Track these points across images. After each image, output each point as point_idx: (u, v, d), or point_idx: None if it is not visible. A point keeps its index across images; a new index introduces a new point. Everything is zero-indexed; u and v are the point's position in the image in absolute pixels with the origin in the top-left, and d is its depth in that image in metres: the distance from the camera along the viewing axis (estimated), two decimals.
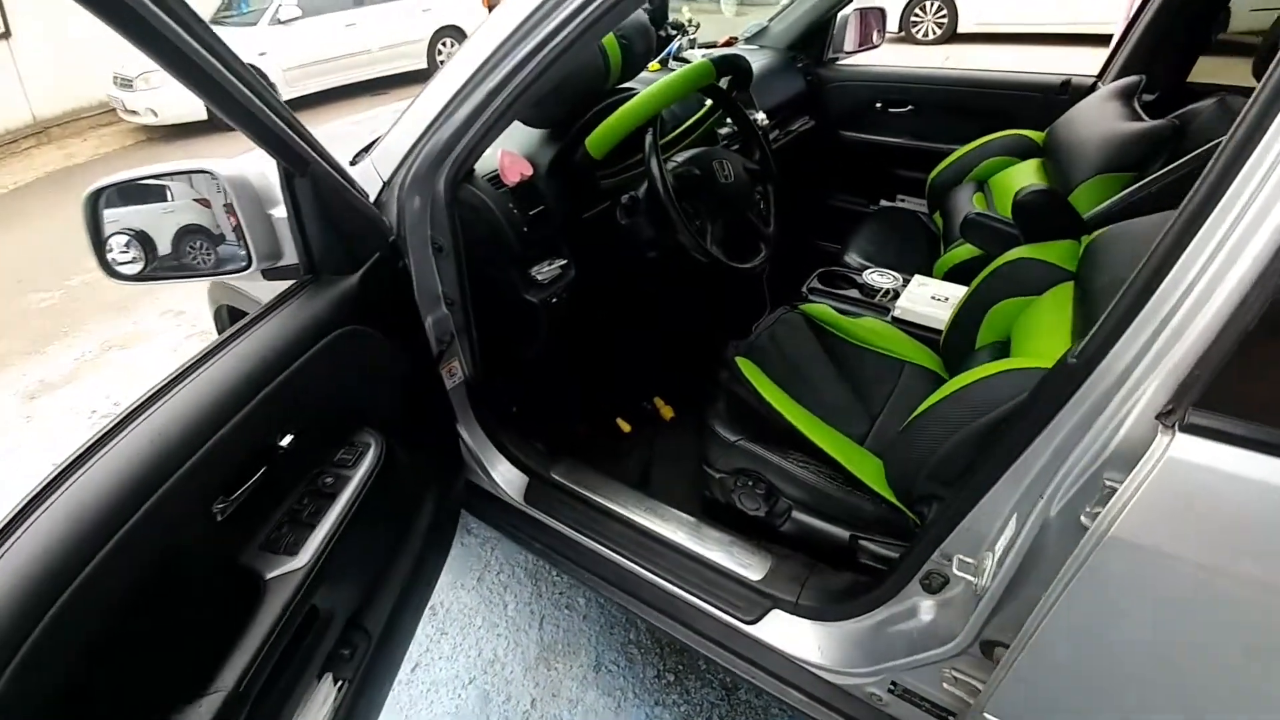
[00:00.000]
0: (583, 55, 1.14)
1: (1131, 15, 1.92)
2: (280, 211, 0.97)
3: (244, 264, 0.97)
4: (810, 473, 1.26)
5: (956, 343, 1.44)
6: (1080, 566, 0.70)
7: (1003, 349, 1.34)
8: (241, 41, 6.79)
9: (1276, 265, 0.60)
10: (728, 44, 2.34)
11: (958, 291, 1.70)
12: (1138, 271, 0.68)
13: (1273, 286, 0.60)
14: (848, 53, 2.43)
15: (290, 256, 0.99)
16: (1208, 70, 1.90)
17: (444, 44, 8.07)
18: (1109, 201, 1.56)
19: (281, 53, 6.94)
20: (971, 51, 7.42)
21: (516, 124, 1.40)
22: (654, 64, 1.93)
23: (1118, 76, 1.93)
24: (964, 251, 1.80)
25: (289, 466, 0.91)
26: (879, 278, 1.80)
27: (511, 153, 1.29)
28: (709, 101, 1.55)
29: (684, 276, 1.51)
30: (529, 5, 1.00)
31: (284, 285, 0.99)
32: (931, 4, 7.69)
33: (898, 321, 1.69)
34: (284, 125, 0.83)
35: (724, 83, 1.44)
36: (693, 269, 1.40)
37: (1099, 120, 1.73)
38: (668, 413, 1.90)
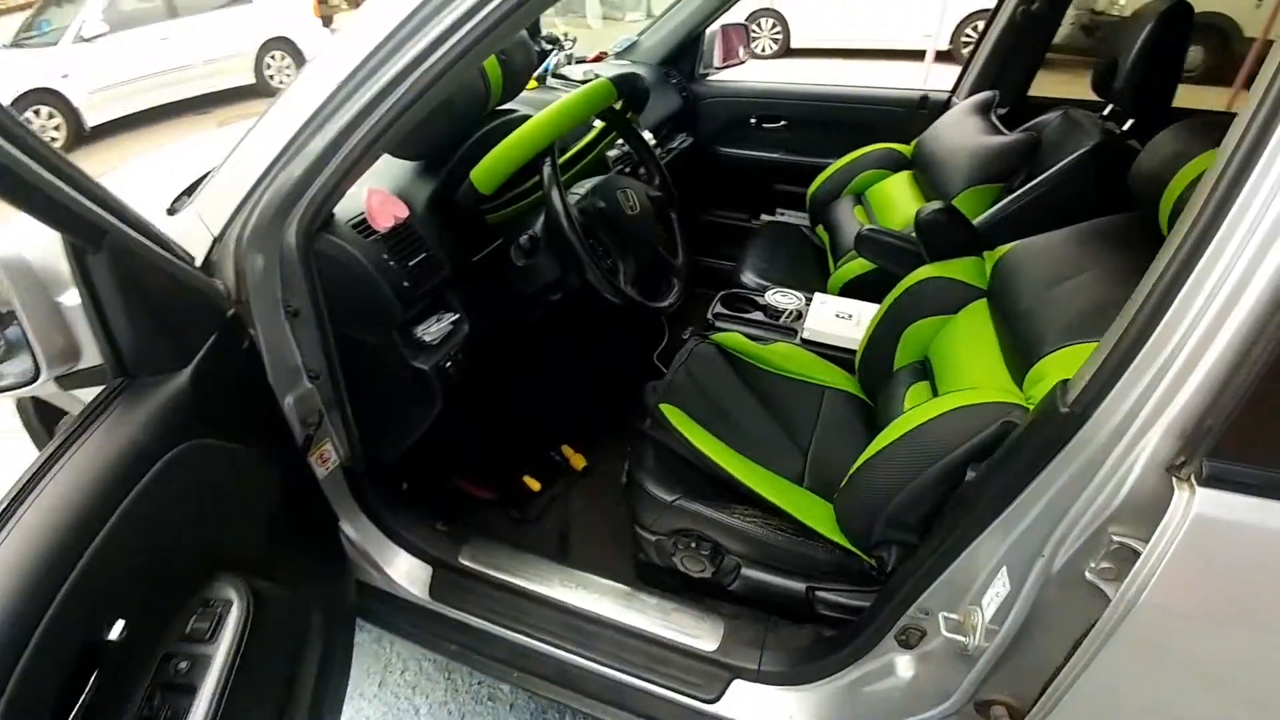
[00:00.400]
0: (463, 75, 0.96)
1: (979, 36, 2.06)
2: (73, 297, 0.70)
3: (29, 375, 0.69)
4: (757, 526, 1.16)
5: (874, 364, 1.42)
6: (1110, 634, 0.65)
7: (921, 369, 1.33)
8: (41, 65, 5.89)
9: None
10: (598, 59, 2.22)
11: (859, 308, 1.70)
12: (1136, 310, 0.63)
13: None
14: (717, 68, 2.41)
15: (92, 356, 0.72)
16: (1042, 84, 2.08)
17: (273, 57, 7.41)
18: (989, 213, 1.62)
19: (87, 74, 6.15)
20: (804, 66, 7.95)
21: (384, 157, 1.17)
22: (532, 81, 1.76)
23: (970, 92, 2.05)
24: (857, 266, 1.81)
25: (128, 664, 0.64)
26: (782, 298, 1.76)
27: (380, 191, 1.07)
28: (598, 123, 1.41)
29: (590, 318, 1.36)
30: (397, 14, 0.80)
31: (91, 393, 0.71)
32: (767, 21, 8.15)
33: (807, 343, 1.65)
34: (64, 184, 0.58)
35: (619, 104, 1.32)
36: (600, 309, 1.26)
37: (964, 134, 1.81)
38: (579, 462, 1.74)
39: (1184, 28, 1.42)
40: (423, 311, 1.14)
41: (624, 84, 1.20)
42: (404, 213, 1.01)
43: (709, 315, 1.74)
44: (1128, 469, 0.66)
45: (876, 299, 1.85)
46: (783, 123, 2.35)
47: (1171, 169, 0.94)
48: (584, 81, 1.59)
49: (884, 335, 1.39)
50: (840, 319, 1.68)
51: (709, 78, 2.42)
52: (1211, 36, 5.76)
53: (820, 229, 2.22)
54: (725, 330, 1.68)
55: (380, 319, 1.08)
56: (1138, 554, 0.66)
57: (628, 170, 1.58)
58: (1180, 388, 0.62)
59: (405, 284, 1.06)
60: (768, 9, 8.13)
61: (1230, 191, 0.57)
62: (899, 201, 1.96)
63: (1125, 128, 1.56)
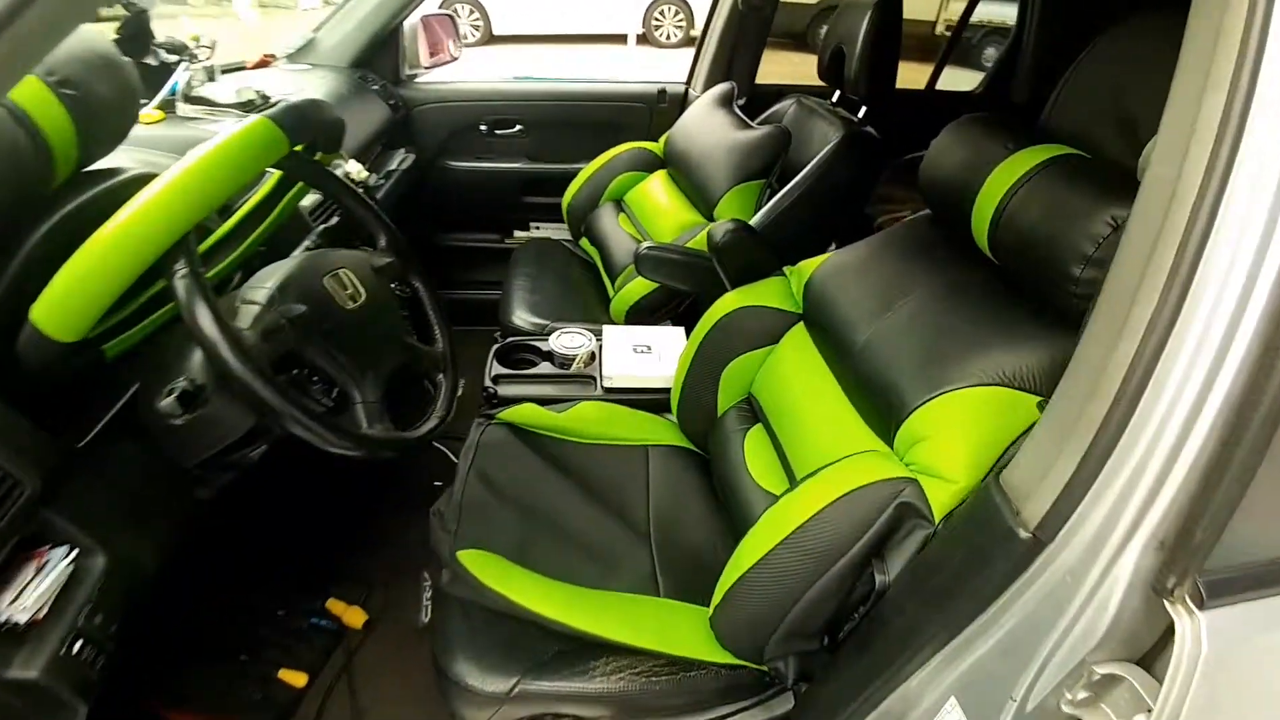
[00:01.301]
0: None
1: (704, 27, 1.97)
2: None
3: None
4: (626, 678, 0.89)
5: (693, 409, 1.23)
6: None
7: (749, 408, 1.17)
8: None
9: (1261, 386, 0.45)
10: (262, 65, 1.66)
11: (657, 336, 1.50)
12: (1106, 414, 0.48)
13: (1267, 398, 0.45)
14: (425, 67, 2.00)
15: None
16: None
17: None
18: (763, 213, 1.53)
19: None
20: (511, 53, 7.69)
21: None
22: (152, 113, 1.18)
23: (706, 83, 1.96)
24: (640, 286, 1.61)
25: None
26: (569, 340, 1.49)
27: None
28: (273, 172, 0.94)
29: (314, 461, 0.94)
30: None
31: None
32: (465, 8, 7.68)
33: (611, 393, 1.40)
34: None
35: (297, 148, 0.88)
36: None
37: (715, 130, 1.70)
38: (357, 618, 1.29)
39: (897, 14, 1.44)
40: (4, 569, 0.62)
41: (293, 120, 0.78)
42: None
43: (488, 383, 1.40)
44: (1107, 593, 0.52)
45: (668, 318, 1.70)
46: (518, 127, 2.04)
47: (973, 176, 0.86)
48: (239, 106, 1.10)
49: (700, 377, 1.19)
50: (640, 354, 1.46)
51: (418, 79, 2.01)
52: None
53: (585, 242, 1.98)
54: (510, 397, 1.36)
55: None
56: (1119, 679, 0.54)
57: (334, 222, 1.14)
58: (1158, 495, 0.49)
59: None
60: None
61: (1190, 271, 0.44)
62: (662, 205, 1.80)
63: (860, 114, 1.56)
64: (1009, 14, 2.13)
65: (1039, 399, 0.73)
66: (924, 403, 0.78)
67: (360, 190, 1.23)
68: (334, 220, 1.15)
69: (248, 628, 1.23)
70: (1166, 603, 0.50)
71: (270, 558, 1.37)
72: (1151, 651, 0.55)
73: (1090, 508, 0.52)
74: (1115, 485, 0.51)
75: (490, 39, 8.02)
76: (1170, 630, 0.50)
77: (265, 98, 1.14)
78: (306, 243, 0.98)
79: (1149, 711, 0.51)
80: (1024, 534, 0.54)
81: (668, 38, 8.23)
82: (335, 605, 1.29)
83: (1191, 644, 0.48)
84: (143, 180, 0.82)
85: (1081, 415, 0.52)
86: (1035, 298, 0.81)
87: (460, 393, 0.92)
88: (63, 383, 0.68)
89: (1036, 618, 0.56)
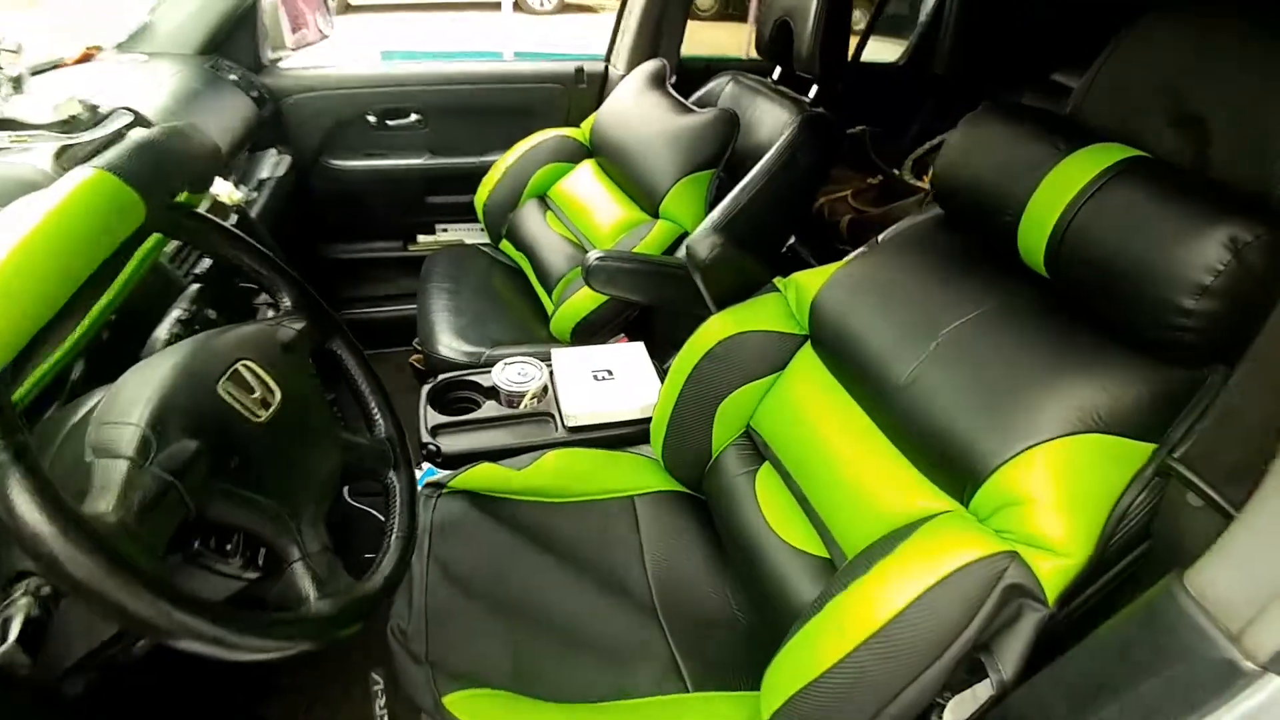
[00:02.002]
0: None
1: None
2: None
3: None
4: None
5: (684, 451, 1.07)
6: None
7: (751, 444, 1.02)
8: None
9: None
10: (86, 59, 1.25)
11: (615, 356, 1.31)
12: None
13: None
14: (291, 50, 1.64)
15: None
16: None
17: None
18: (724, 207, 1.36)
19: None
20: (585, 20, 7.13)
21: None
22: None
23: (630, 59, 1.75)
24: (587, 300, 1.41)
25: None
26: (515, 373, 1.26)
27: None
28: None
29: None
30: None
31: None
32: None
33: (576, 432, 1.21)
34: None
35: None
36: None
37: (651, 114, 1.51)
38: None
39: None
40: None
41: (146, 167, 0.50)
42: None
43: (426, 439, 1.16)
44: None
45: (620, 330, 1.51)
46: (415, 117, 1.73)
47: (1017, 182, 0.75)
48: (59, 125, 0.76)
49: (690, 415, 1.03)
50: (601, 381, 1.27)
51: (283, 64, 1.64)
52: None
53: (508, 246, 1.74)
54: (457, 454, 1.13)
55: None
56: None
57: (207, 266, 0.84)
58: None
59: None
60: None
61: None
62: (597, 201, 1.60)
63: (811, 94, 1.43)
64: None
65: (1143, 445, 0.64)
66: (1010, 459, 0.66)
67: (233, 220, 0.95)
68: (206, 264, 0.85)
69: None
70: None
71: (178, 690, 1.08)
72: None
73: None
74: None
75: (346, 8, 7.26)
76: None
77: (93, 109, 0.80)
78: (178, 311, 0.69)
79: None
80: (1249, 665, 0.43)
81: (541, 4, 7.81)
82: None
83: None
84: None
85: None
86: (1105, 322, 0.71)
87: (411, 547, 0.69)
88: None
89: None
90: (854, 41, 2.08)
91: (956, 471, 0.71)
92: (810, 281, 0.97)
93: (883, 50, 2.31)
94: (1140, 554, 0.63)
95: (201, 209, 0.67)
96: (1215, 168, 0.69)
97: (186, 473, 0.47)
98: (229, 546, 0.53)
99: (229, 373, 0.55)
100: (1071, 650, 0.55)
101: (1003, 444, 0.67)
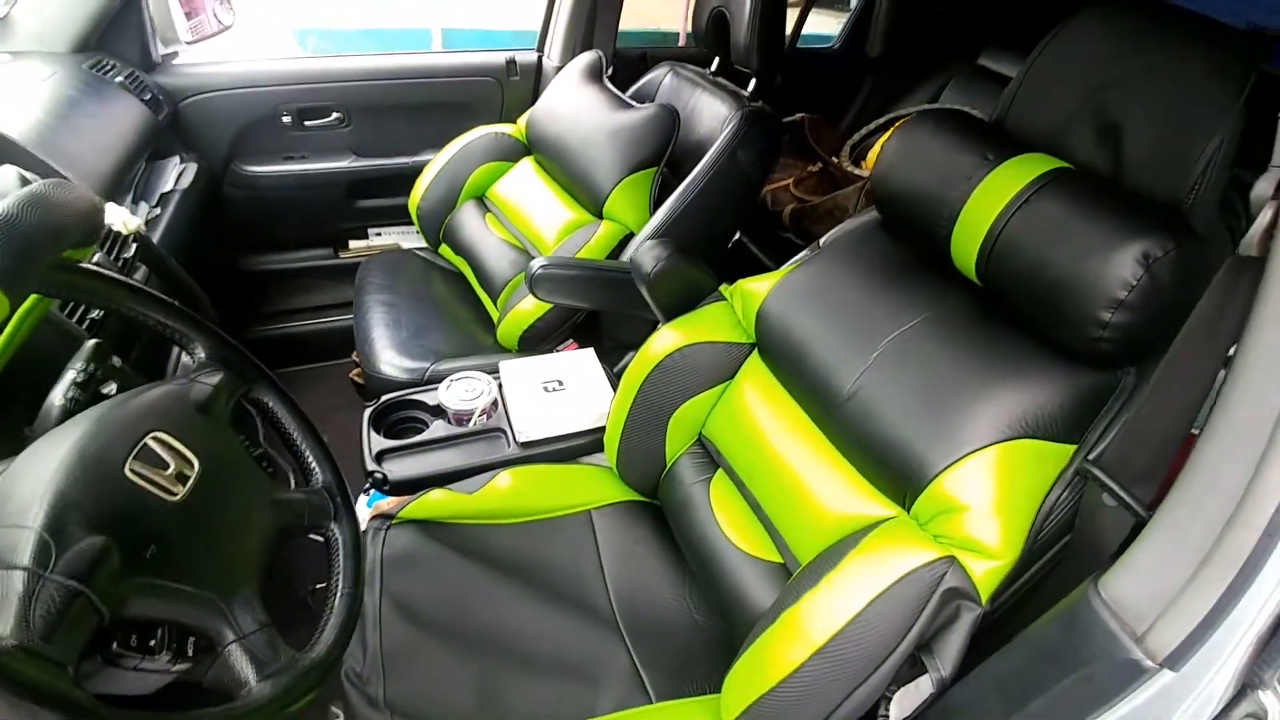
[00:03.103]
0: None
1: None
2: None
3: None
4: None
5: (638, 462, 1.07)
6: None
7: (703, 451, 1.03)
8: None
9: None
10: None
11: (564, 365, 1.29)
12: (1256, 546, 0.42)
13: None
14: (187, 44, 1.52)
15: None
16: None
17: None
18: (667, 209, 1.35)
19: None
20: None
21: None
22: None
23: (564, 51, 1.69)
24: (534, 309, 1.38)
25: None
26: (462, 389, 1.23)
27: None
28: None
29: None
30: None
31: None
32: None
33: (528, 447, 1.19)
34: None
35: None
36: None
37: (589, 110, 1.47)
38: None
39: None
40: None
41: (10, 256, 0.44)
42: None
43: (369, 463, 1.11)
44: (1208, 697, 0.48)
45: (568, 336, 1.49)
46: (335, 115, 1.64)
47: (950, 193, 0.76)
48: None
49: (643, 426, 1.03)
50: (552, 393, 1.25)
51: (178, 61, 1.51)
52: None
53: (447, 250, 1.68)
54: (405, 480, 1.10)
55: None
56: None
57: (100, 331, 0.77)
58: (1269, 602, 0.44)
59: None
60: None
61: None
62: (538, 202, 1.55)
63: (750, 87, 1.42)
64: None
65: (1065, 447, 0.67)
66: (946, 468, 0.69)
67: (134, 250, 0.87)
68: (93, 317, 0.78)
69: None
70: (1261, 693, 0.46)
71: None
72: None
73: (1226, 636, 0.46)
74: (1253, 611, 0.45)
75: None
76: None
77: None
78: (73, 372, 0.63)
79: None
80: (1149, 664, 0.47)
81: None
82: None
83: None
84: None
85: (1223, 543, 0.45)
86: (1033, 329, 0.74)
87: (362, 546, 0.66)
88: None
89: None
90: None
91: (897, 479, 0.73)
92: (756, 290, 0.97)
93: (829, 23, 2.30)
94: (1063, 548, 0.67)
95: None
96: (1132, 176, 0.72)
97: (94, 574, 0.43)
98: (153, 642, 0.49)
99: (137, 450, 0.51)
100: (1004, 649, 0.59)
101: (939, 453, 0.69)
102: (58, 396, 0.60)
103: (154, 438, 0.53)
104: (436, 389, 1.22)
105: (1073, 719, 0.52)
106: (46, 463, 0.47)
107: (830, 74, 2.15)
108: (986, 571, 0.65)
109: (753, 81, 1.40)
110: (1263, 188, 0.41)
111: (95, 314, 0.79)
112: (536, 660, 0.87)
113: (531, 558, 1.01)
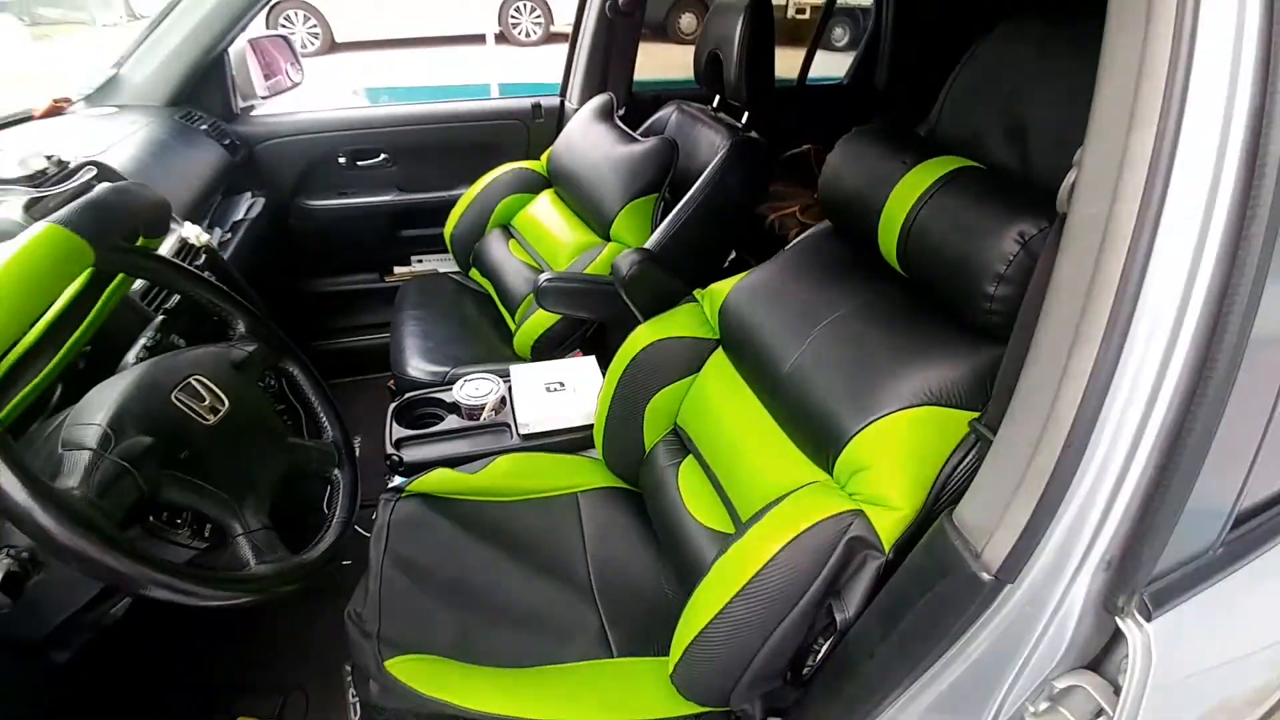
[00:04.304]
0: None
1: (572, 36, 1.88)
2: None
3: None
4: None
5: (620, 449, 1.17)
6: None
7: (677, 439, 1.12)
8: None
9: (1192, 415, 0.46)
10: (54, 112, 1.40)
11: (566, 369, 1.42)
12: (1058, 460, 0.48)
13: (1196, 432, 0.46)
14: (262, 98, 1.79)
15: None
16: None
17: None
18: (662, 230, 1.48)
19: None
20: (355, 60, 7.23)
21: None
22: None
23: (582, 94, 1.89)
24: (544, 319, 1.52)
25: None
26: (474, 388, 1.38)
27: None
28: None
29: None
30: None
31: None
32: (299, 15, 7.11)
33: (529, 439, 1.31)
34: None
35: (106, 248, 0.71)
36: None
37: (599, 145, 1.64)
38: None
39: (769, 16, 1.43)
40: None
41: (93, 221, 0.61)
42: None
43: (391, 450, 1.26)
44: (1064, 618, 0.54)
45: (576, 346, 1.62)
46: (383, 156, 1.87)
47: (874, 193, 0.86)
48: (28, 179, 0.89)
49: (622, 416, 1.13)
50: (554, 393, 1.38)
51: (255, 112, 1.79)
52: (695, 3, 7.19)
53: (476, 273, 1.86)
54: (418, 463, 1.24)
55: None
56: (1076, 688, 0.56)
57: (175, 301, 0.96)
58: (1105, 524, 0.50)
59: None
60: (296, 4, 7.11)
61: (1128, 315, 0.44)
62: (554, 227, 1.72)
63: (744, 120, 1.55)
64: None
65: (968, 413, 0.73)
66: (858, 431, 0.77)
67: (203, 259, 1.06)
68: (175, 299, 0.97)
69: None
70: (1118, 619, 0.51)
71: (163, 682, 1.17)
72: (1100, 655, 0.56)
73: (1047, 546, 0.53)
74: (1066, 521, 0.52)
75: (332, 47, 7.50)
76: (1116, 633, 0.52)
77: (63, 164, 0.93)
78: (144, 339, 0.81)
79: (1101, 713, 0.53)
80: (986, 577, 0.54)
81: (527, 35, 8.04)
82: None
83: (1143, 656, 0.50)
84: None
85: (1033, 461, 0.52)
86: (948, 311, 0.81)
87: (349, 530, 0.80)
88: None
89: (1001, 648, 0.56)
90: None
91: (822, 446, 0.81)
92: (720, 290, 1.08)
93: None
94: None
95: (166, 251, 0.79)
96: (1037, 172, 0.80)
97: (141, 462, 0.58)
98: (179, 521, 0.63)
99: (181, 384, 0.67)
100: (889, 583, 0.66)
101: (854, 420, 0.77)
102: (131, 356, 0.77)
103: (196, 379, 0.69)
104: (452, 388, 1.37)
105: (933, 631, 0.59)
106: (116, 386, 0.63)
107: (840, 108, 2.26)
108: (889, 521, 0.71)
109: (745, 115, 1.54)
110: (1078, 154, 0.49)
111: (167, 304, 0.98)
112: (513, 614, 0.98)
113: (520, 530, 1.12)
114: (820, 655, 0.77)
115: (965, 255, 0.73)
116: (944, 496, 0.72)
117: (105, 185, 0.68)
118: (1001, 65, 0.85)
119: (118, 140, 1.24)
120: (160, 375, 0.66)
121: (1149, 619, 0.51)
